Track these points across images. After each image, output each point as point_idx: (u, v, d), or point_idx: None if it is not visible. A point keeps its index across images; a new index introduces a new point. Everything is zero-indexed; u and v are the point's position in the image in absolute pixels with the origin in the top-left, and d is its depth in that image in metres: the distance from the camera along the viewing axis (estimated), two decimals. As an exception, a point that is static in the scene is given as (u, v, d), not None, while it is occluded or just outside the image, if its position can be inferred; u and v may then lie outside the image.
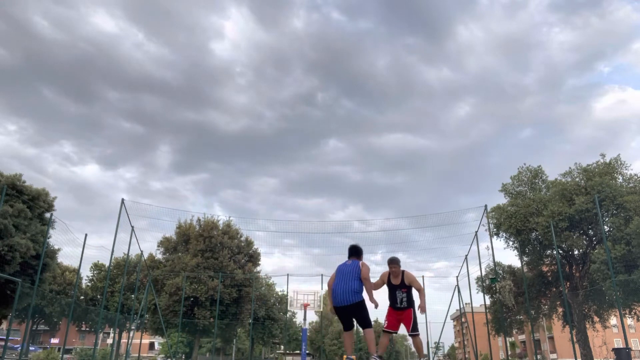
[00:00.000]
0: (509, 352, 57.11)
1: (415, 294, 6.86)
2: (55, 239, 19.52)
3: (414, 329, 6.80)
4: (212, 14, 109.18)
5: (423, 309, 6.80)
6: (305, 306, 20.51)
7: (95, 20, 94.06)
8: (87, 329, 49.94)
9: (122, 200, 19.97)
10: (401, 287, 6.84)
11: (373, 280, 6.61)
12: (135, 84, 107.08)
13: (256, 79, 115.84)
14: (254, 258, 33.52)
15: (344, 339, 6.24)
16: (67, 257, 21.10)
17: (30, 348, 41.06)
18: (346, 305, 5.89)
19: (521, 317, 26.18)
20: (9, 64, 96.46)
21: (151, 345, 73.47)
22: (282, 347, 58.17)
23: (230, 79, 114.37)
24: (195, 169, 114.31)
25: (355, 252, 6.47)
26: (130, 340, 29.95)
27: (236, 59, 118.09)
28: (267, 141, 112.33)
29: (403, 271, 6.94)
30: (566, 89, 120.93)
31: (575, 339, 20.68)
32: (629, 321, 39.05)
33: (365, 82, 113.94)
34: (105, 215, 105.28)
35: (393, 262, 6.91)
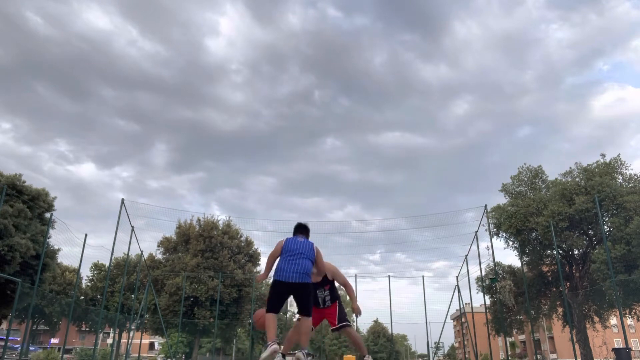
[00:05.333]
0: (509, 352, 57.12)
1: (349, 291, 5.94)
2: (55, 239, 19.54)
3: (341, 320, 5.74)
4: (207, 10, 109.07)
5: (358, 310, 5.97)
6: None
7: (88, 17, 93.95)
8: (87, 329, 49.92)
9: (122, 200, 19.98)
10: (323, 285, 5.83)
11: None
12: (130, 82, 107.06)
13: (252, 77, 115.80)
14: (254, 258, 33.55)
15: (267, 321, 5.08)
16: (67, 257, 21.12)
17: (30, 348, 41.06)
18: (292, 283, 5.05)
19: (521, 317, 26.18)
20: (2, 61, 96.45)
21: (151, 345, 73.49)
22: (282, 347, 58.20)
23: (226, 77, 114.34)
24: (192, 167, 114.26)
25: (305, 230, 5.75)
26: (130, 340, 29.95)
27: (232, 56, 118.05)
28: (264, 139, 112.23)
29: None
30: (565, 87, 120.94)
31: (575, 339, 20.69)
32: (629, 321, 39.05)
33: (362, 80, 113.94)
34: (103, 215, 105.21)
35: None
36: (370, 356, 5.76)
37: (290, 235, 5.64)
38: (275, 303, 5.17)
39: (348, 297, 6.02)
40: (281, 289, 5.14)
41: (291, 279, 5.06)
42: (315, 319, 5.64)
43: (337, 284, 5.97)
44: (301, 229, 5.75)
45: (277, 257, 5.38)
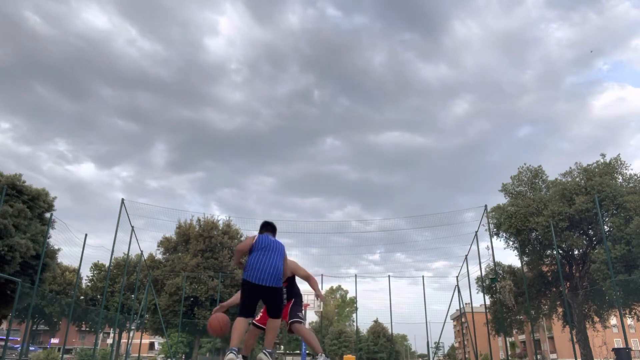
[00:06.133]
0: (509, 352, 57.13)
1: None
2: (55, 239, 19.54)
3: (292, 316, 5.62)
4: (206, 9, 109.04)
5: (322, 296, 5.99)
6: (305, 306, 20.49)
7: (87, 16, 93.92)
8: (87, 329, 49.95)
9: (122, 200, 19.98)
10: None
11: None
12: (129, 81, 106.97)
13: (252, 76, 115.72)
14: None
15: (236, 324, 4.81)
16: (67, 257, 21.13)
17: (30, 348, 41.08)
18: (267, 287, 4.81)
19: (521, 317, 26.18)
20: (1, 61, 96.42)
21: (151, 345, 73.50)
22: (282, 347, 58.21)
23: (225, 76, 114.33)
24: (191, 167, 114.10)
25: (273, 229, 5.56)
26: (130, 340, 29.96)
27: (231, 55, 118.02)
28: (263, 139, 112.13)
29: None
30: (564, 86, 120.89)
31: (575, 339, 20.69)
32: (629, 321, 39.03)
33: (362, 80, 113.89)
34: (102, 215, 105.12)
35: None
36: (323, 354, 5.57)
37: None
38: (248, 305, 4.94)
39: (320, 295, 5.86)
40: (253, 290, 4.88)
41: (265, 282, 4.83)
42: (264, 316, 5.54)
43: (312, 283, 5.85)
44: (269, 227, 5.54)
45: (244, 252, 5.18)
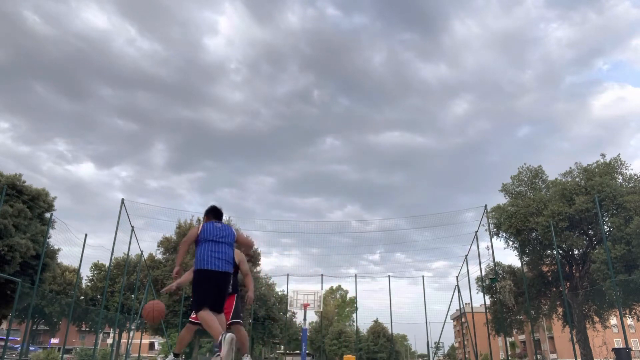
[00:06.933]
0: (509, 352, 57.12)
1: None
2: (55, 238, 19.54)
3: (235, 316, 5.47)
4: (205, 9, 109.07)
5: (251, 299, 5.68)
6: (305, 306, 20.51)
7: (86, 15, 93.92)
8: (87, 329, 49.94)
9: (122, 200, 20.00)
10: None
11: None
12: (128, 81, 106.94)
13: (251, 76, 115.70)
14: (254, 258, 33.51)
15: (206, 318, 4.46)
16: (67, 257, 21.13)
17: (30, 348, 41.07)
18: (224, 272, 4.68)
19: (521, 317, 26.18)
20: (0, 60, 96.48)
21: (151, 345, 73.49)
22: (282, 347, 58.21)
23: (225, 76, 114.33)
24: (191, 167, 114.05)
25: (220, 214, 5.32)
26: (130, 340, 29.96)
27: (231, 55, 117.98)
28: (263, 139, 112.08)
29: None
30: (564, 86, 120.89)
31: (575, 339, 20.69)
32: (629, 321, 39.03)
33: (361, 79, 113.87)
34: (102, 215, 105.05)
35: None
36: (249, 355, 5.45)
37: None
38: (212, 296, 4.61)
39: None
40: (212, 278, 4.65)
41: (219, 267, 4.67)
42: None
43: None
44: (215, 213, 5.28)
45: (190, 244, 4.97)
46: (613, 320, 29.62)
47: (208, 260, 4.69)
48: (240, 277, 6.20)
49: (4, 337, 16.74)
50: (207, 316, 4.50)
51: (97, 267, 40.09)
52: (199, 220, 33.10)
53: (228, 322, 5.44)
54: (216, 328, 4.42)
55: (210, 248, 4.78)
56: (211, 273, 4.63)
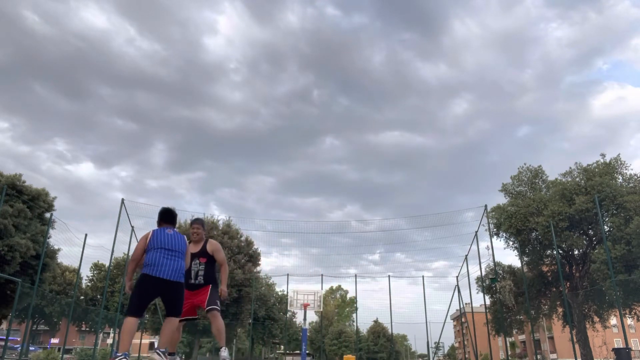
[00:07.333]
0: (509, 352, 57.12)
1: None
2: (55, 238, 19.56)
3: (210, 303, 5.33)
4: (205, 8, 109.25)
5: (224, 293, 5.51)
6: (305, 306, 20.50)
7: (86, 15, 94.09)
8: (87, 329, 49.98)
9: (122, 200, 20.00)
10: (199, 256, 5.42)
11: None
12: (128, 81, 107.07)
13: (251, 76, 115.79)
14: (254, 258, 33.51)
15: (126, 326, 4.33)
16: (67, 257, 21.14)
17: (30, 348, 41.06)
18: (169, 281, 4.45)
19: (521, 317, 26.18)
20: (0, 60, 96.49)
21: (151, 345, 73.42)
22: (282, 347, 58.23)
23: (224, 76, 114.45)
24: (190, 167, 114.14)
25: (172, 217, 5.03)
26: (130, 340, 29.91)
27: (230, 55, 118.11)
28: (262, 139, 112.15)
29: (208, 239, 5.60)
30: (564, 86, 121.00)
31: (575, 339, 20.69)
32: (629, 321, 39.03)
33: (361, 79, 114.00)
34: (101, 215, 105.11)
35: (197, 222, 5.57)
36: (226, 348, 5.40)
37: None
38: (142, 304, 4.47)
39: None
40: (154, 286, 4.45)
41: (168, 276, 4.46)
42: (186, 307, 5.23)
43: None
44: (167, 217, 4.98)
45: (138, 261, 4.76)
46: (613, 320, 29.61)
47: (154, 267, 4.49)
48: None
49: (4, 337, 16.75)
50: (128, 325, 4.35)
51: (97, 267, 40.12)
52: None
53: (206, 309, 5.35)
54: (127, 340, 4.31)
55: (160, 255, 4.57)
56: (153, 280, 4.44)
